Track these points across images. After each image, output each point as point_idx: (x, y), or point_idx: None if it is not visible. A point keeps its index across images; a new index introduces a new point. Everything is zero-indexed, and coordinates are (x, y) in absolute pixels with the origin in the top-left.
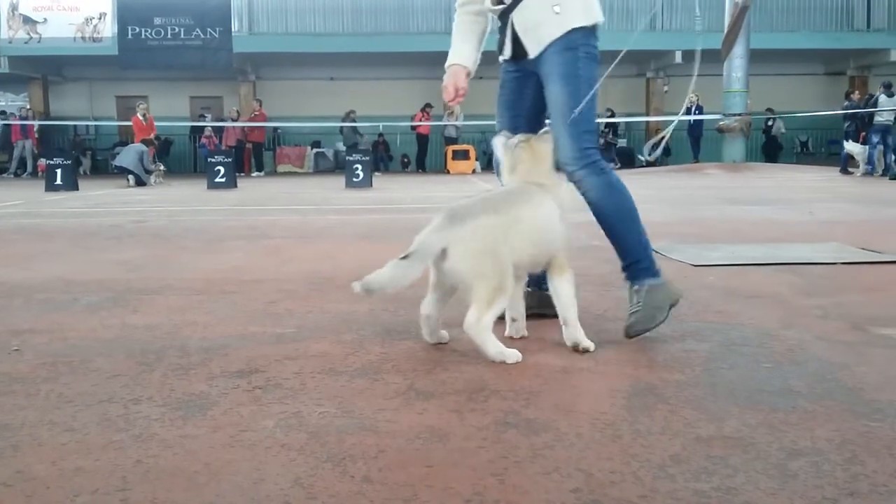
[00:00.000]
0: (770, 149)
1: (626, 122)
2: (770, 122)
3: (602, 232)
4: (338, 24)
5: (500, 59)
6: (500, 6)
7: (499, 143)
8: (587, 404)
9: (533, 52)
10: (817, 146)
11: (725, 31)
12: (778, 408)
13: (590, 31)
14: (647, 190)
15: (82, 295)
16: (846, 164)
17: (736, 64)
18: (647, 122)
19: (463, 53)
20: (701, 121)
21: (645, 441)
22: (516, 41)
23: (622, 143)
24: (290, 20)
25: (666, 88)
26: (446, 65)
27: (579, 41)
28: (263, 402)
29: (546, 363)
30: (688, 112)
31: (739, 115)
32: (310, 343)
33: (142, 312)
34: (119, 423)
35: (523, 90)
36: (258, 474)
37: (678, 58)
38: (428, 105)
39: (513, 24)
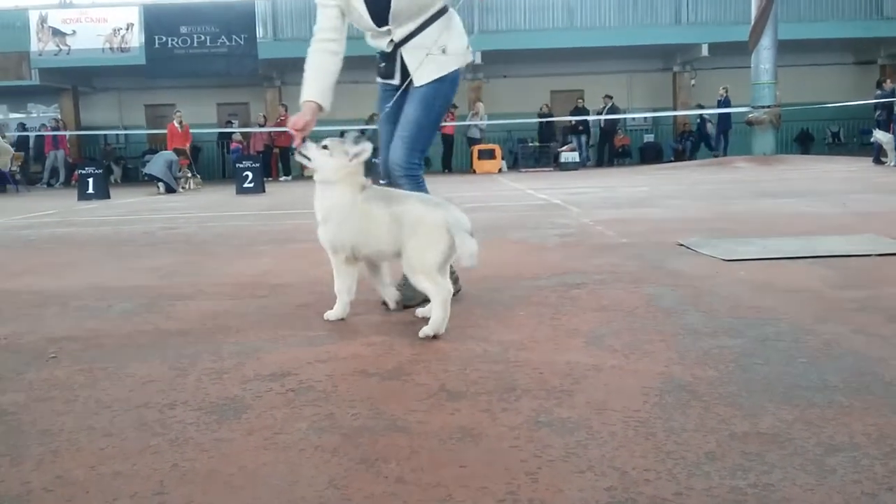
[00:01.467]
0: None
1: (654, 117)
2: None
3: (630, 229)
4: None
5: (384, 82)
6: (391, 44)
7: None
8: (619, 402)
9: (419, 83)
10: (849, 136)
11: (752, 22)
12: (814, 403)
13: (459, 71)
14: (678, 185)
15: (116, 302)
16: (879, 153)
17: (764, 55)
18: (675, 117)
19: (321, 93)
20: (729, 114)
21: (679, 438)
22: (405, 72)
23: (649, 138)
24: (313, 26)
25: (693, 82)
26: (301, 100)
27: (449, 80)
28: (296, 404)
29: (577, 361)
30: (718, 105)
31: (768, 107)
32: (341, 345)
33: (175, 318)
34: (155, 427)
35: (403, 107)
36: (293, 476)
37: (704, 51)
38: (452, 105)
39: (402, 58)
